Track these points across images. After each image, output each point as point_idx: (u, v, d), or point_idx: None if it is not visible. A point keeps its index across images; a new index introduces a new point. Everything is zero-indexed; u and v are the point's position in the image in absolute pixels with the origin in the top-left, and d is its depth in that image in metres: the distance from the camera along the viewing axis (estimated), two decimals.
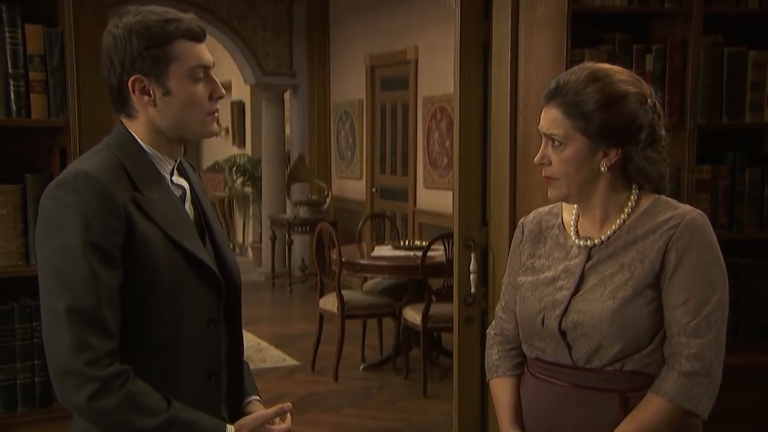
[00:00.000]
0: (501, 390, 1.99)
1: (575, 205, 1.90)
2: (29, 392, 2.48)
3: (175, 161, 1.74)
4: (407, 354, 5.71)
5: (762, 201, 2.89)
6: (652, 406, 1.76)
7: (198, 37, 1.67)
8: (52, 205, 1.57)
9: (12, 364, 2.45)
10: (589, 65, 1.82)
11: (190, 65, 1.64)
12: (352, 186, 8.86)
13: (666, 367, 1.77)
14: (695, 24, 2.71)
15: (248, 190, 10.73)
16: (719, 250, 1.80)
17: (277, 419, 1.74)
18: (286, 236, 8.80)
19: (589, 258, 1.84)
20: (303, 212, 8.65)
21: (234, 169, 10.59)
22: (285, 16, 9.12)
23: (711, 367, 1.75)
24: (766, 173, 2.90)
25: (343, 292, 5.68)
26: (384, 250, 6.12)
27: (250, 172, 10.44)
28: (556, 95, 1.79)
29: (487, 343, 2.07)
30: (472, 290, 3.12)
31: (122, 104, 1.67)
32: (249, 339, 6.57)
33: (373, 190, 8.44)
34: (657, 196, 1.87)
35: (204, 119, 1.68)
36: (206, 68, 1.67)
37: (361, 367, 5.94)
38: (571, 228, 1.90)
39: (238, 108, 11.50)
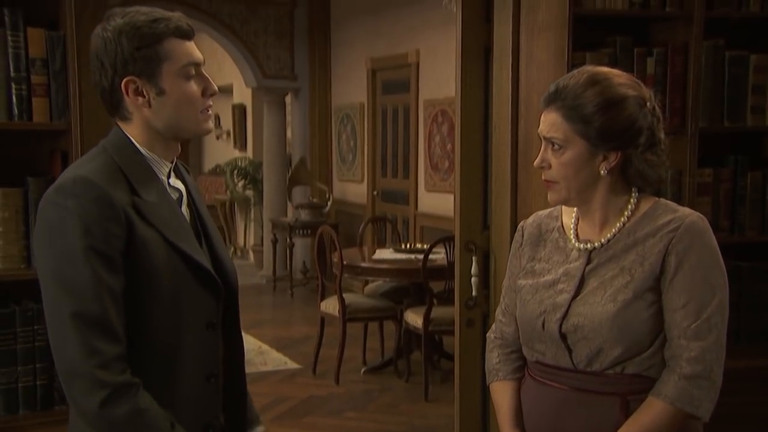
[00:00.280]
0: (501, 393, 1.99)
1: (575, 209, 1.89)
2: (30, 395, 2.48)
3: (172, 163, 1.73)
4: (408, 357, 5.70)
5: (763, 204, 2.88)
6: (653, 409, 1.76)
7: (187, 35, 1.66)
8: (52, 210, 1.56)
9: (13, 368, 2.45)
10: (589, 69, 1.82)
11: (182, 63, 1.64)
12: (353, 189, 8.86)
13: (667, 370, 1.77)
14: (696, 27, 2.71)
15: (249, 193, 10.73)
16: (719, 253, 1.80)
17: None
18: (288, 239, 8.80)
19: (589, 261, 1.84)
20: (304, 215, 8.64)
21: (235, 172, 10.59)
22: (286, 20, 9.13)
23: (712, 369, 1.75)
24: (767, 176, 2.89)
25: (344, 295, 5.68)
26: (385, 253, 6.12)
27: (252, 175, 10.45)
28: (556, 99, 1.79)
29: (488, 347, 2.07)
30: (474, 293, 3.12)
31: (116, 107, 1.66)
32: (250, 342, 6.56)
33: (375, 193, 8.44)
34: (656, 199, 1.87)
35: (198, 117, 1.68)
36: (197, 65, 1.67)
37: (363, 370, 5.93)
38: (571, 231, 1.89)
39: (240, 111, 11.51)
